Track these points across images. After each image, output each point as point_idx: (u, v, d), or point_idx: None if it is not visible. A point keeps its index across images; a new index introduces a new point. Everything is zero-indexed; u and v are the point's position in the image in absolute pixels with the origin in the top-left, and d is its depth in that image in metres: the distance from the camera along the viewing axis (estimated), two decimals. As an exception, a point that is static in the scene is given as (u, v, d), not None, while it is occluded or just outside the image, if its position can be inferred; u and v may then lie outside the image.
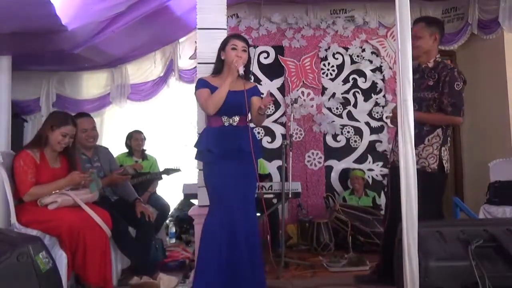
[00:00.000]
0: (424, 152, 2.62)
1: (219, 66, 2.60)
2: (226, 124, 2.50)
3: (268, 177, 4.39)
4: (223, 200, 2.45)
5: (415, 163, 1.88)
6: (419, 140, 2.60)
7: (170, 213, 4.55)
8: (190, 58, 5.03)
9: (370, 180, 4.83)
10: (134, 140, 4.44)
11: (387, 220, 2.82)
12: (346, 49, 4.95)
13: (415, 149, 2.52)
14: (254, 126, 2.64)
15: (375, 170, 4.89)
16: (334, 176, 4.88)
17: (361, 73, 4.97)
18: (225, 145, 2.46)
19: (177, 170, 4.21)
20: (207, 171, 2.54)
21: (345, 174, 4.84)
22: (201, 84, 2.54)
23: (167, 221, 4.57)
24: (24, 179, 2.60)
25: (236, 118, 2.51)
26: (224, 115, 2.50)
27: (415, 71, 2.63)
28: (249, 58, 2.61)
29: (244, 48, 2.54)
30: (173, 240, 4.50)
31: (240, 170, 2.47)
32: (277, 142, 4.80)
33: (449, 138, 2.74)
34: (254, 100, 2.56)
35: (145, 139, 4.54)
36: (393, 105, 4.15)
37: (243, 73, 2.46)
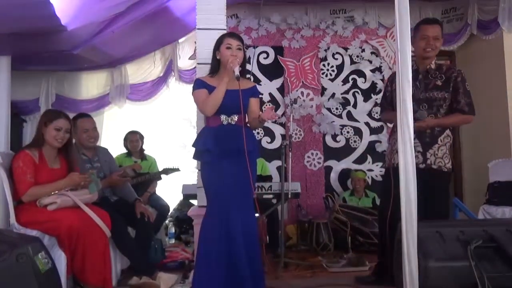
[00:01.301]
0: (439, 152, 2.64)
1: (215, 66, 2.56)
2: (225, 123, 2.48)
3: (269, 178, 4.38)
4: (221, 200, 2.43)
5: (415, 163, 1.88)
6: (433, 139, 2.65)
7: (169, 214, 4.54)
8: (190, 58, 5.03)
9: (369, 181, 4.82)
10: (130, 141, 4.43)
11: (387, 220, 2.80)
12: (346, 49, 4.95)
13: (431, 149, 2.63)
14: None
15: (374, 170, 4.89)
16: (334, 176, 4.88)
17: (361, 73, 4.97)
18: (224, 144, 2.44)
19: (176, 169, 4.20)
20: (205, 171, 2.52)
21: (344, 175, 4.84)
22: (199, 84, 2.51)
23: (167, 221, 4.56)
24: (23, 179, 2.60)
25: (235, 117, 2.49)
26: (222, 114, 2.48)
27: (416, 73, 2.66)
28: (245, 56, 2.58)
29: (239, 46, 2.50)
30: (173, 241, 4.49)
31: (238, 170, 2.44)
32: (277, 143, 4.80)
33: None
34: (252, 102, 2.54)
35: (142, 138, 4.51)
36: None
37: (238, 74, 2.39)
